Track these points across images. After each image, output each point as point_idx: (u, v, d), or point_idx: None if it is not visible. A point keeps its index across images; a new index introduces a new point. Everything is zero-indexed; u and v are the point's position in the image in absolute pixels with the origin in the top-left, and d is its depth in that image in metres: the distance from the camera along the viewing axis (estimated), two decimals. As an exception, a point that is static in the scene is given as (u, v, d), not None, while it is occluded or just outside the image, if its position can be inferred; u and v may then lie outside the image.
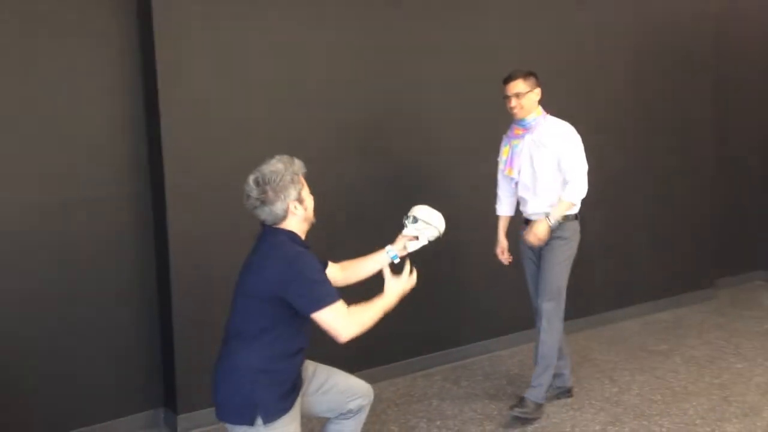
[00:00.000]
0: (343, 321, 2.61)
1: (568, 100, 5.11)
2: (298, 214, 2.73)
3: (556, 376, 4.05)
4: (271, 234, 2.73)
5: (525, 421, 3.83)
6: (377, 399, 4.18)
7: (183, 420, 3.75)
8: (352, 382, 2.95)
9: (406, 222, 3.11)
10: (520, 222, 4.08)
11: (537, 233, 3.79)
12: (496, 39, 4.79)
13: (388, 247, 3.11)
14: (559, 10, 5.03)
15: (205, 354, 3.63)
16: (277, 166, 2.71)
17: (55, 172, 3.56)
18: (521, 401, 3.88)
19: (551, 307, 3.87)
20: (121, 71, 3.69)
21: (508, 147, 3.96)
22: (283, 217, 2.71)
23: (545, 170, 3.84)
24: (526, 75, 3.84)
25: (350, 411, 2.91)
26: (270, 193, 2.67)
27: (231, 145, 3.86)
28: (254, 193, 2.69)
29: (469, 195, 4.65)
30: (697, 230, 5.94)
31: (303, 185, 2.74)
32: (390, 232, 3.18)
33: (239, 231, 3.79)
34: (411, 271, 2.83)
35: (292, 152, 3.93)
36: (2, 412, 3.45)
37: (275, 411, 2.61)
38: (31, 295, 3.52)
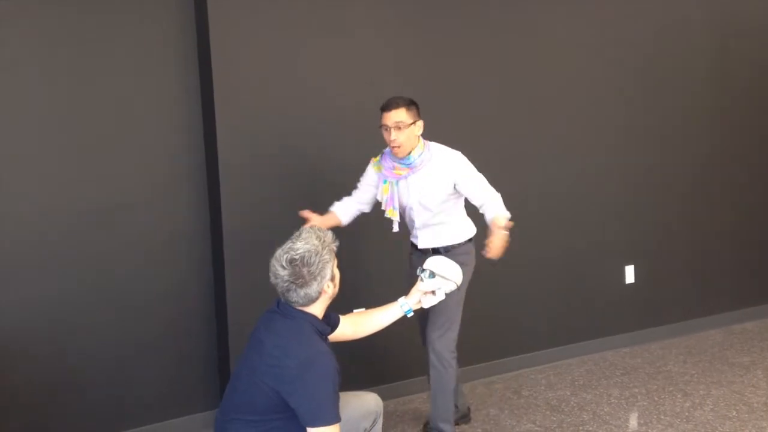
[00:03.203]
0: None
1: (645, 104, 4.92)
2: (329, 293, 2.52)
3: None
4: (291, 317, 2.49)
5: None
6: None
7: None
8: (359, 405, 2.77)
9: (423, 276, 2.88)
10: (407, 248, 3.66)
11: (500, 247, 3.22)
12: (566, 34, 4.64)
13: (402, 300, 2.90)
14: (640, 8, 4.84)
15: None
16: (312, 242, 2.46)
17: (118, 174, 3.64)
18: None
19: (442, 342, 3.39)
20: (178, 74, 3.75)
21: (387, 185, 3.40)
22: (315, 299, 2.49)
23: (438, 206, 3.38)
24: (409, 104, 3.29)
25: (365, 429, 2.78)
26: (306, 276, 2.43)
27: (286, 148, 3.88)
28: (286, 274, 2.44)
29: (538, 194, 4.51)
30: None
31: (335, 260, 2.52)
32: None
33: (292, 231, 3.79)
34: None
35: (345, 151, 3.98)
36: (64, 411, 3.58)
37: None
38: (90, 296, 3.62)
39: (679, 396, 4.15)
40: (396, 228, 3.48)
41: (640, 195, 4.99)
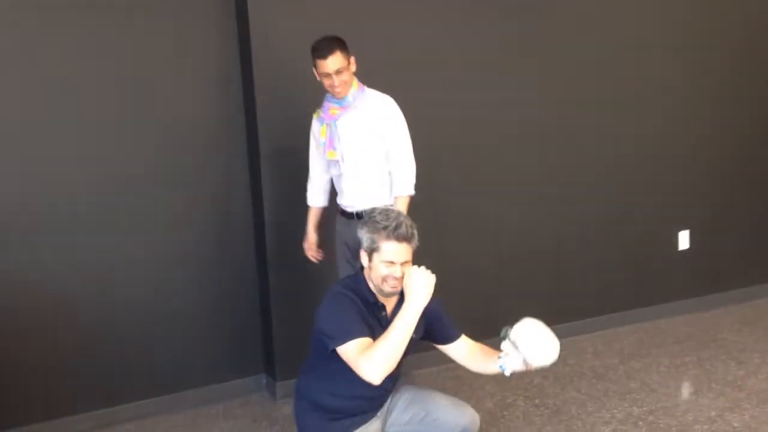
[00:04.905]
0: (357, 359, 2.37)
1: (700, 67, 4.72)
2: (368, 271, 2.55)
3: None
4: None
5: None
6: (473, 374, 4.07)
7: (281, 387, 3.84)
8: (448, 415, 2.66)
9: (501, 333, 2.58)
10: (334, 213, 3.55)
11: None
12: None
13: (501, 354, 2.61)
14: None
15: (300, 322, 3.70)
16: (380, 213, 2.54)
17: (163, 144, 3.69)
18: None
19: None
20: (218, 48, 3.76)
21: (325, 126, 3.33)
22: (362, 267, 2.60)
23: (369, 153, 3.30)
24: (341, 45, 3.20)
25: None
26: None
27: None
28: None
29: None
30: None
31: (379, 249, 2.47)
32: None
33: (332, 203, 3.79)
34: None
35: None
36: (114, 373, 3.69)
37: None
38: (139, 264, 3.69)
39: (732, 364, 4.02)
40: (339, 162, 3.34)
41: (696, 157, 4.82)
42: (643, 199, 4.69)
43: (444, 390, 3.87)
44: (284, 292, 3.82)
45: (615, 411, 3.56)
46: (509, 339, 2.49)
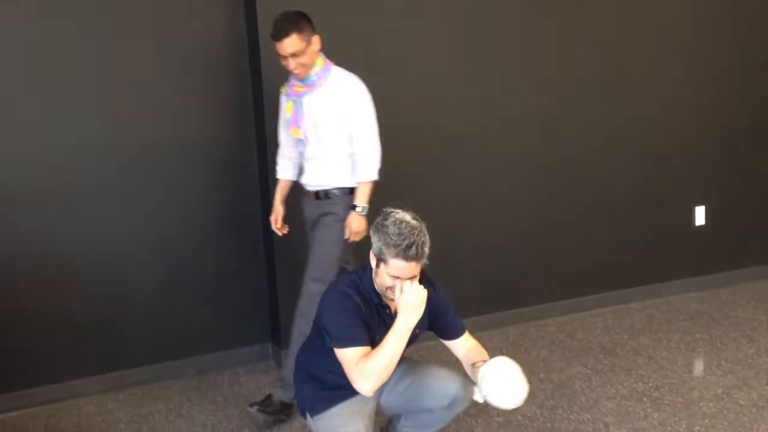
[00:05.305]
0: (351, 370, 2.39)
1: (716, 38, 4.60)
2: (373, 265, 2.47)
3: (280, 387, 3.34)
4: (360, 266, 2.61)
5: (267, 420, 3.27)
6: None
7: (287, 355, 3.85)
8: (440, 384, 2.61)
9: (477, 364, 2.55)
10: (301, 191, 3.42)
11: (354, 230, 3.15)
12: None
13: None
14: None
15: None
16: (395, 224, 2.38)
17: (172, 114, 3.70)
18: (267, 398, 3.35)
19: (314, 290, 3.09)
20: (228, 24, 3.74)
21: (291, 103, 3.20)
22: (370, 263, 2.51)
23: (331, 134, 3.15)
24: (299, 25, 3.01)
25: (426, 410, 2.64)
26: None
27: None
28: None
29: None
30: None
31: (387, 263, 2.39)
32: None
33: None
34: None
35: (395, 85, 3.89)
36: (121, 338, 3.72)
37: (319, 406, 2.58)
38: (149, 229, 3.71)
39: (743, 342, 3.95)
40: (304, 141, 3.24)
41: (713, 133, 4.71)
42: (659, 174, 4.61)
43: (450, 363, 3.87)
44: (290, 261, 3.81)
45: (620, 386, 3.53)
46: (479, 373, 2.46)
